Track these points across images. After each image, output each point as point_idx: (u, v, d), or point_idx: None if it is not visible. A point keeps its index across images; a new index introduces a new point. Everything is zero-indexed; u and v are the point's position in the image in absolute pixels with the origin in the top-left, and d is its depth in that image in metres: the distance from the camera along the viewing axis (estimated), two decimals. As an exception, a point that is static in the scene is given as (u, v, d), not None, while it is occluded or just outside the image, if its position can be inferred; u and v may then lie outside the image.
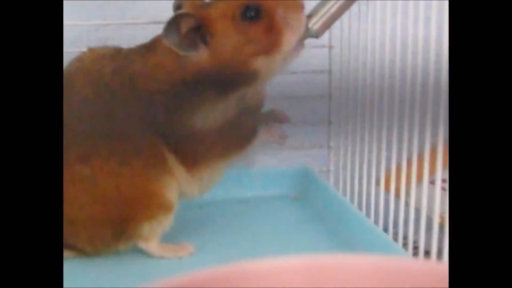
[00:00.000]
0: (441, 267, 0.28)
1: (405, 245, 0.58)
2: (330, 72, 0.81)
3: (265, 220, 0.72)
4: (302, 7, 0.57)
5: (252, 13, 0.56)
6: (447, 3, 0.44)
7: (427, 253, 0.55)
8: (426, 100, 0.51)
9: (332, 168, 0.83)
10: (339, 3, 0.58)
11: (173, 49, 0.55)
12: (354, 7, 0.64)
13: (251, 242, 0.65)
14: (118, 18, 0.80)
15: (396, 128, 0.59)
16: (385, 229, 0.61)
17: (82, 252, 0.60)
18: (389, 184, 0.62)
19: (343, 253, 0.29)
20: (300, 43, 0.59)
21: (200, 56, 0.56)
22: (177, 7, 0.59)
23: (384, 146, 0.62)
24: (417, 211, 0.56)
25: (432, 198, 0.51)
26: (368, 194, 0.67)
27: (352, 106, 0.71)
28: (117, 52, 0.59)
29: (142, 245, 0.60)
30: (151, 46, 0.58)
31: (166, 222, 0.60)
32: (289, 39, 0.57)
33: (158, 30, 0.56)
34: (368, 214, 0.66)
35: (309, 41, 0.68)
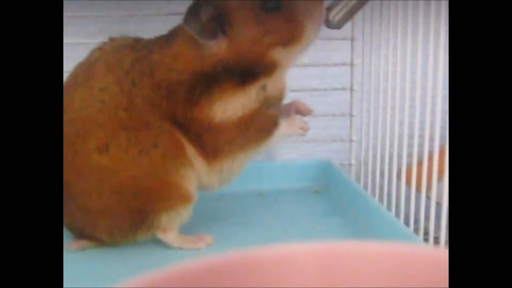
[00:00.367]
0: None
1: (426, 240, 0.58)
2: (352, 64, 0.80)
3: (284, 213, 0.72)
4: None
5: (272, 4, 0.55)
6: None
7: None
8: (447, 93, 0.51)
9: (353, 161, 0.83)
10: (360, -6, 0.58)
11: (193, 38, 0.55)
12: (377, -1, 0.64)
13: (270, 235, 0.64)
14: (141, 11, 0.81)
15: (418, 121, 0.58)
16: (406, 223, 0.60)
17: (100, 242, 0.60)
18: (410, 178, 0.61)
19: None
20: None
21: (219, 46, 0.56)
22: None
23: (406, 139, 0.62)
24: (438, 205, 0.55)
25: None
26: (390, 187, 0.67)
27: (374, 99, 0.71)
28: (137, 42, 0.59)
29: (160, 235, 0.60)
30: (170, 37, 0.58)
31: (185, 213, 0.59)
32: (309, 30, 0.57)
33: (179, 22, 0.56)
34: (389, 207, 0.65)
35: (331, 33, 0.68)
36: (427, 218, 0.57)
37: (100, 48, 0.60)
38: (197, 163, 0.59)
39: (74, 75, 0.58)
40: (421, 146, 0.58)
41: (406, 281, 0.27)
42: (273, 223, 0.68)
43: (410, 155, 0.61)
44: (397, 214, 0.63)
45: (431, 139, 0.55)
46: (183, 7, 0.54)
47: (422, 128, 0.57)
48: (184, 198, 0.59)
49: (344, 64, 0.81)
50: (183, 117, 0.57)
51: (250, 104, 0.58)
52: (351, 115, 0.82)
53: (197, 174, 0.60)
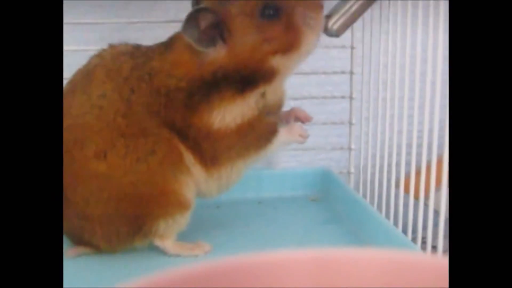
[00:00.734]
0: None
1: (423, 249, 0.58)
2: (351, 73, 0.81)
3: (283, 221, 0.71)
4: (321, 6, 0.57)
5: (271, 12, 0.56)
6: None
7: (445, 253, 0.54)
8: (446, 101, 0.51)
9: (352, 170, 0.82)
10: (359, 2, 0.58)
11: (192, 44, 0.55)
12: (376, 8, 0.64)
13: (268, 243, 0.64)
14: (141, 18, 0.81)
15: (416, 130, 0.58)
16: (405, 231, 0.60)
17: (97, 249, 0.60)
18: (409, 187, 0.61)
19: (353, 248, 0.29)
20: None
21: (218, 53, 0.56)
22: (195, 4, 0.59)
23: (404, 148, 0.62)
24: (436, 213, 0.55)
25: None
26: (388, 196, 0.67)
27: (373, 107, 0.71)
28: (136, 49, 0.59)
29: (158, 242, 0.60)
30: (169, 44, 0.58)
31: (182, 221, 0.59)
32: (308, 38, 0.57)
33: (179, 29, 0.56)
34: (387, 216, 0.65)
35: (330, 42, 0.68)
36: (425, 227, 0.57)
37: (99, 55, 0.60)
38: (195, 170, 0.59)
39: (73, 81, 0.58)
40: (419, 154, 0.58)
41: (402, 288, 0.27)
42: (272, 231, 0.68)
43: (408, 164, 0.61)
44: (396, 222, 0.63)
45: (430, 148, 0.55)
46: (183, 14, 0.54)
47: (420, 137, 0.58)
48: (182, 205, 0.58)
49: (343, 72, 0.82)
50: (181, 124, 0.57)
51: (249, 111, 0.58)
52: (350, 123, 0.82)
53: (195, 181, 0.60)
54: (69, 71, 0.58)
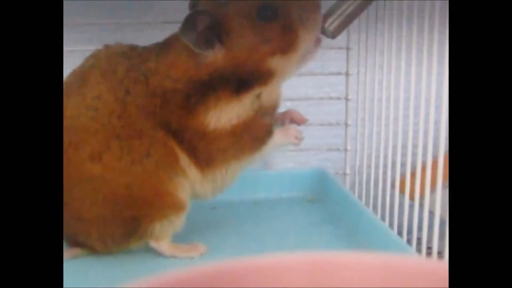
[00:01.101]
0: (448, 267, 0.27)
1: (419, 250, 0.58)
2: (347, 74, 0.81)
3: (279, 222, 0.71)
4: (318, 7, 0.57)
5: (269, 13, 0.56)
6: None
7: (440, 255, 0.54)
8: (441, 102, 0.51)
9: (348, 171, 0.83)
10: (356, 3, 0.58)
11: (189, 46, 0.55)
12: (372, 9, 0.64)
13: (264, 244, 0.64)
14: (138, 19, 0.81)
15: (412, 131, 0.58)
16: (400, 233, 0.60)
17: (93, 251, 0.60)
18: (404, 188, 0.61)
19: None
20: (317, 43, 0.59)
21: (216, 55, 0.56)
22: (192, 5, 0.59)
23: (400, 150, 0.62)
24: (432, 214, 0.55)
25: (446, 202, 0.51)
26: (384, 197, 0.67)
27: (369, 108, 0.71)
28: (131, 50, 0.59)
29: (153, 244, 0.60)
30: (166, 45, 0.58)
31: (177, 222, 0.59)
32: (305, 39, 0.57)
33: (176, 30, 0.56)
34: (383, 217, 0.65)
35: (326, 43, 0.68)
36: (420, 228, 0.57)
37: (94, 56, 0.60)
38: (191, 172, 0.59)
39: (68, 83, 0.58)
40: (415, 155, 0.58)
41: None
42: (268, 232, 0.68)
43: (404, 165, 0.61)
44: (391, 223, 0.63)
45: (425, 148, 0.55)
46: (180, 16, 0.54)
47: (416, 138, 0.58)
48: (177, 207, 0.58)
49: (339, 73, 0.82)
50: (177, 125, 0.57)
51: (244, 113, 0.58)
52: (346, 124, 0.82)
53: (190, 183, 0.60)
54: (64, 72, 0.58)
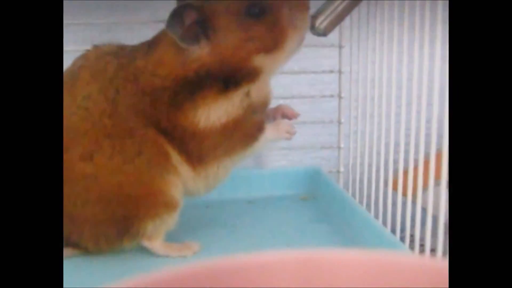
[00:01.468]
0: (439, 264, 0.27)
1: (412, 248, 0.58)
2: (340, 72, 0.81)
3: (273, 220, 0.71)
4: (307, 6, 0.57)
5: (257, 10, 0.55)
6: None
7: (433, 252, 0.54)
8: (433, 100, 0.51)
9: (342, 169, 0.83)
10: (346, 1, 0.58)
11: (176, 43, 0.55)
12: (363, 6, 0.64)
13: (257, 242, 0.64)
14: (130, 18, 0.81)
15: (404, 129, 0.58)
16: (393, 230, 0.61)
17: (85, 250, 0.59)
18: (397, 186, 0.61)
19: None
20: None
21: (202, 51, 0.56)
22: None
23: (392, 147, 0.62)
24: (424, 211, 0.55)
25: (438, 199, 0.51)
26: (377, 195, 0.67)
27: (362, 106, 0.71)
28: (120, 49, 0.59)
29: (146, 243, 0.60)
30: (153, 43, 0.58)
31: (170, 221, 0.59)
32: (292, 38, 0.57)
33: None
34: (376, 214, 0.65)
35: (319, 41, 0.68)
36: (414, 226, 0.57)
37: (84, 56, 0.59)
38: (183, 170, 0.59)
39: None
40: (407, 152, 0.58)
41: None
42: (262, 230, 0.68)
43: (397, 162, 0.61)
44: (384, 221, 0.63)
45: (417, 146, 0.55)
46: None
47: (408, 135, 0.58)
48: (169, 205, 0.58)
49: (332, 71, 0.82)
50: (167, 124, 0.57)
51: (234, 110, 0.58)
52: (339, 122, 0.82)
53: (182, 181, 0.60)
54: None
